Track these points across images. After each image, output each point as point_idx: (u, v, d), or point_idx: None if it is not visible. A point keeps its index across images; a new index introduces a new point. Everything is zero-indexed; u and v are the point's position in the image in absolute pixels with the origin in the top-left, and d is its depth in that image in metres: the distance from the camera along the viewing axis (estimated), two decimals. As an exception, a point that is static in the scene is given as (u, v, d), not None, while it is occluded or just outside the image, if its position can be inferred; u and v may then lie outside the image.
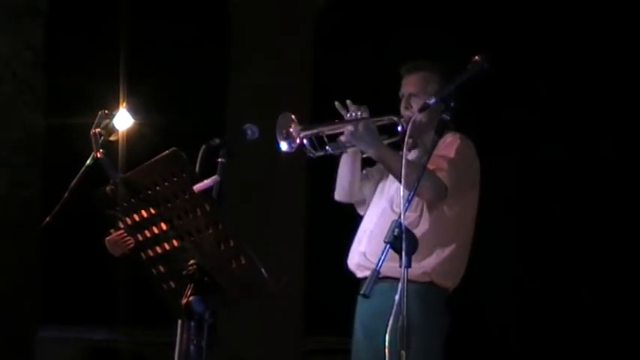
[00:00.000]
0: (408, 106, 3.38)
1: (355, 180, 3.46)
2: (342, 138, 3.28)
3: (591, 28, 4.41)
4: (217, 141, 3.10)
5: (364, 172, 3.54)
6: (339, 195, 3.51)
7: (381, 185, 3.48)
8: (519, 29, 4.48)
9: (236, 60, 5.70)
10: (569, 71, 4.45)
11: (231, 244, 2.75)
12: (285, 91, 5.48)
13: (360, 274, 3.32)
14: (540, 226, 4.42)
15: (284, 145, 3.25)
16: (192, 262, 2.81)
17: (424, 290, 3.22)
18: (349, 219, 3.52)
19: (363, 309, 3.31)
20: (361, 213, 3.51)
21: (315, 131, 3.27)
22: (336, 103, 3.29)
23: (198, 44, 5.38)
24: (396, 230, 2.63)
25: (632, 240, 4.20)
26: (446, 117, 2.80)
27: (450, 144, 3.32)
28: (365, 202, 3.50)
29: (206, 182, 2.77)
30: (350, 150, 3.39)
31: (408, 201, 2.73)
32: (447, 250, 3.27)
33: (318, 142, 3.28)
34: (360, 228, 3.44)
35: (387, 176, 3.42)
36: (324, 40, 5.42)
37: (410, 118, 3.26)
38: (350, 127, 3.22)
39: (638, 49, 4.32)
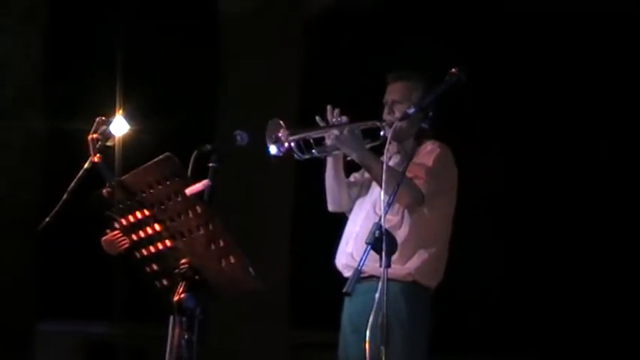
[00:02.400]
0: (391, 112, 3.41)
1: (341, 187, 3.47)
2: (328, 142, 3.31)
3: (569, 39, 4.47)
4: (208, 147, 3.10)
5: (351, 178, 3.54)
6: (333, 206, 3.52)
7: (366, 188, 3.50)
8: (510, 37, 4.46)
9: (226, 67, 5.71)
10: (563, 72, 4.51)
11: (221, 244, 2.78)
12: (275, 96, 5.50)
13: (347, 274, 3.32)
14: (523, 223, 4.46)
15: (273, 149, 3.27)
16: (184, 261, 2.84)
17: (408, 289, 3.24)
18: (334, 219, 3.53)
19: (350, 306, 3.33)
20: (348, 215, 3.54)
21: (302, 135, 3.30)
22: (317, 118, 3.32)
23: (191, 52, 5.36)
24: (377, 232, 2.67)
25: (619, 241, 4.27)
26: (424, 126, 2.86)
27: (429, 152, 3.34)
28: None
29: (197, 186, 2.80)
30: (333, 153, 3.40)
31: (389, 205, 2.79)
32: (429, 252, 3.29)
33: (305, 145, 3.31)
34: (346, 229, 3.46)
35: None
36: (314, 47, 5.45)
37: (392, 122, 3.28)
38: (335, 132, 3.25)
39: (622, 50, 4.36)
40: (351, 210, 3.52)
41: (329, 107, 3.29)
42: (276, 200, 5.64)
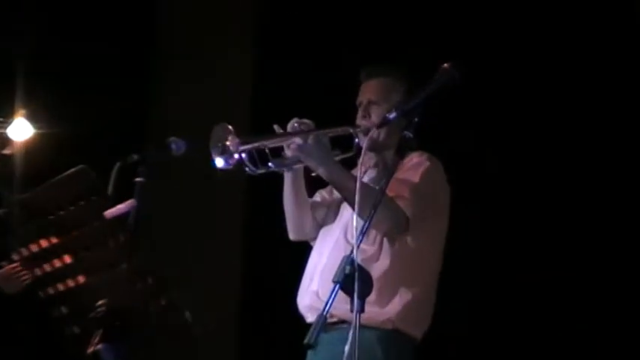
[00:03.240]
0: (367, 115, 3.44)
1: (303, 209, 3.49)
2: (288, 152, 3.31)
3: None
4: (135, 157, 3.09)
5: (316, 198, 3.56)
6: (294, 233, 3.54)
7: (335, 210, 3.51)
8: (489, 34, 4.60)
9: (159, 62, 5.75)
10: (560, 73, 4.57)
11: (150, 281, 2.80)
12: (221, 96, 5.53)
13: (310, 318, 3.34)
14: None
15: (219, 161, 3.27)
16: (101, 302, 2.82)
17: (388, 338, 3.24)
18: (296, 248, 3.56)
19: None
20: (312, 245, 3.57)
21: (256, 144, 3.30)
22: (275, 127, 3.32)
23: (117, 42, 5.35)
24: (347, 267, 2.58)
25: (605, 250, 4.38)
26: (408, 135, 2.79)
27: (415, 166, 3.35)
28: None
29: (121, 207, 2.82)
30: (294, 167, 3.42)
31: (363, 232, 2.70)
32: (413, 291, 3.29)
33: (259, 157, 3.31)
34: (310, 262, 3.46)
35: None
36: (270, 38, 5.46)
37: (368, 129, 3.32)
38: (298, 140, 3.25)
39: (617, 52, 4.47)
40: (316, 238, 3.53)
41: (295, 119, 3.30)
42: (223, 225, 5.65)
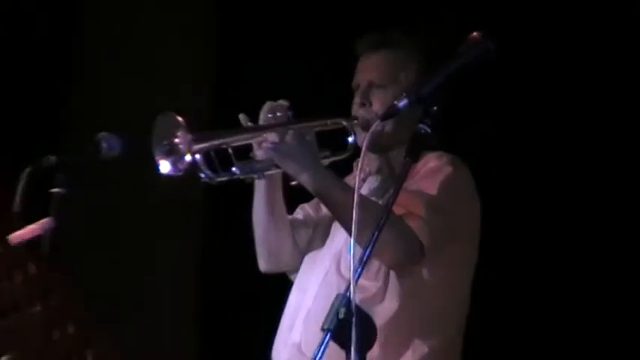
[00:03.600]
0: (366, 103, 3.35)
1: (280, 231, 3.44)
2: (259, 154, 3.26)
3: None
4: (51, 159, 3.09)
5: (298, 214, 3.52)
6: (266, 263, 3.51)
7: (324, 232, 3.46)
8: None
9: (84, 37, 5.78)
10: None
11: (71, 330, 2.71)
12: (170, 82, 5.55)
13: None
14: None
15: (165, 166, 3.22)
16: (4, 359, 2.69)
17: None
18: (270, 281, 3.57)
19: None
20: (292, 279, 3.54)
21: (215, 142, 3.25)
22: (241, 115, 3.27)
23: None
24: (342, 311, 2.53)
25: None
26: (424, 129, 2.68)
27: (432, 172, 3.26)
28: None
29: (32, 228, 2.79)
30: (266, 174, 3.35)
31: (363, 262, 2.62)
32: (431, 343, 3.24)
33: (219, 160, 3.26)
34: (290, 302, 3.42)
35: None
36: (227, 10, 5.57)
37: (367, 121, 3.26)
38: (272, 137, 3.21)
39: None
40: (297, 269, 3.48)
41: (267, 104, 3.27)
42: (173, 250, 5.62)
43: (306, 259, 3.45)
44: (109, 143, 3.18)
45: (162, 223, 5.54)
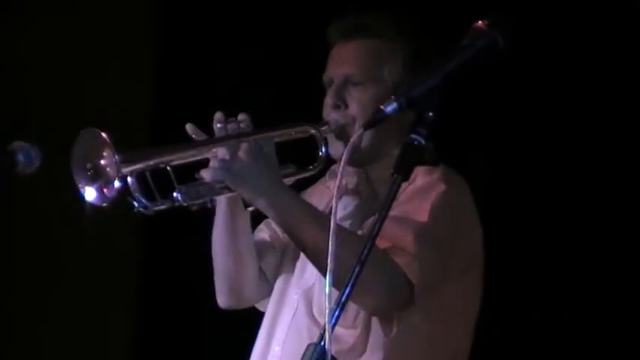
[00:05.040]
0: (341, 105, 3.03)
1: (244, 260, 3.13)
2: (206, 175, 2.92)
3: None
4: None
5: (262, 234, 3.24)
6: (228, 298, 3.21)
7: (293, 254, 3.16)
8: None
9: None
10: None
11: None
12: (103, 86, 5.31)
13: None
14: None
15: (91, 193, 2.93)
16: None
17: None
18: (232, 316, 3.34)
19: None
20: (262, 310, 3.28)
21: (149, 162, 2.95)
22: (188, 125, 2.95)
23: None
24: None
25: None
26: (417, 139, 2.36)
27: (419, 193, 2.94)
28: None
29: None
30: (222, 199, 3.05)
31: (340, 306, 2.29)
32: None
33: (157, 184, 2.95)
34: (260, 337, 3.15)
35: None
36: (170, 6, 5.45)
37: (342, 127, 2.98)
38: (222, 152, 2.89)
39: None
40: (264, 299, 3.23)
41: (218, 115, 2.96)
42: (108, 285, 5.41)
43: (278, 283, 3.17)
44: (25, 154, 2.84)
45: (94, 251, 5.30)
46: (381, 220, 2.35)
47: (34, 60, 5.38)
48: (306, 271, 3.06)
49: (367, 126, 2.43)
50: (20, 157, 2.87)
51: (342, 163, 2.41)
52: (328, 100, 3.05)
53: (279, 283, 3.17)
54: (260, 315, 3.23)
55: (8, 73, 5.40)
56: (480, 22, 2.44)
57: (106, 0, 5.55)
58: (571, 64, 4.60)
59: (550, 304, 4.70)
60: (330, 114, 3.03)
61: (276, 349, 3.06)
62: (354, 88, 3.02)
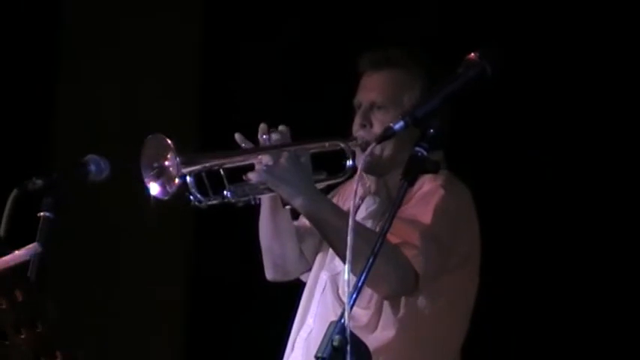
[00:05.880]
0: (367, 124, 3.32)
1: (284, 240, 3.45)
2: (252, 177, 3.21)
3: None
4: (39, 182, 3.08)
5: (305, 221, 3.44)
6: (274, 272, 3.53)
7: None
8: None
9: (66, 48, 5.69)
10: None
11: (59, 358, 2.68)
12: (157, 100, 5.49)
13: None
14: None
15: (155, 188, 3.21)
16: None
17: None
18: (273, 293, 3.58)
19: None
20: (305, 280, 3.54)
21: (206, 165, 3.23)
22: (237, 135, 3.25)
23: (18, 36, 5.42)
24: (336, 338, 2.50)
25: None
26: (421, 151, 2.66)
27: (425, 197, 3.23)
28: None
29: (19, 254, 2.72)
30: (266, 197, 3.34)
31: (357, 290, 2.57)
32: None
33: (211, 183, 3.24)
34: (300, 308, 3.41)
35: None
36: (219, 22, 5.49)
37: (367, 142, 3.23)
38: (266, 159, 3.16)
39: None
40: (307, 270, 3.50)
41: (263, 126, 3.23)
42: (163, 274, 5.57)
43: (315, 264, 3.45)
44: (96, 165, 3.16)
45: (153, 245, 5.49)
46: (391, 218, 2.63)
47: (103, 87, 5.58)
48: (335, 258, 3.32)
49: (379, 140, 2.74)
50: (92, 168, 3.19)
51: (359, 170, 2.79)
52: (357, 120, 3.34)
53: (315, 265, 3.45)
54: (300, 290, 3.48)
55: (83, 101, 5.62)
56: (472, 53, 2.71)
57: (154, 27, 5.61)
58: (571, 64, 4.65)
59: (550, 304, 4.67)
60: (358, 131, 3.33)
61: (309, 320, 3.33)
62: (378, 111, 3.31)
